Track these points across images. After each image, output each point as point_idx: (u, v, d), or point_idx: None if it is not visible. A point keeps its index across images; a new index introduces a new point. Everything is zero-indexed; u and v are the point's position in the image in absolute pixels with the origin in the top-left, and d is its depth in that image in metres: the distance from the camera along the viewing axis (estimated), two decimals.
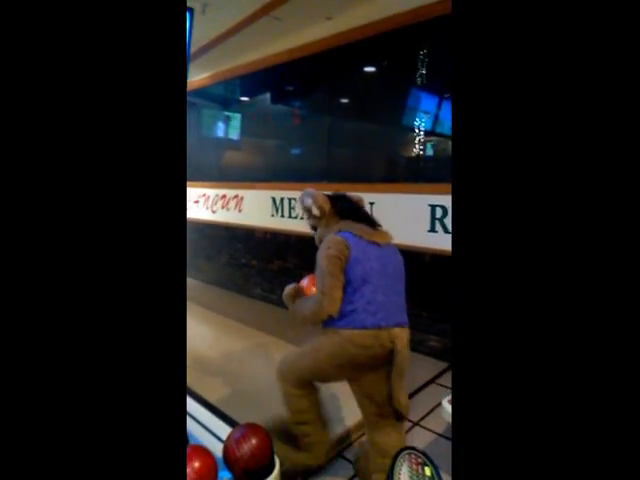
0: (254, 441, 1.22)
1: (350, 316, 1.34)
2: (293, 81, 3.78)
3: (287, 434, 1.51)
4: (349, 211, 1.53)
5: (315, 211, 1.54)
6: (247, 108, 4.44)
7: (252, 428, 1.25)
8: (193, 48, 2.68)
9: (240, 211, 4.14)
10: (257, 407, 1.89)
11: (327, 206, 1.54)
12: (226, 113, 4.78)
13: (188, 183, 3.38)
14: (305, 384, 1.47)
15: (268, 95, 4.08)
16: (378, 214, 3.01)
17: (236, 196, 4.17)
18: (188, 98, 4.87)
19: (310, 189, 1.61)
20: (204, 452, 1.16)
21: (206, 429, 1.49)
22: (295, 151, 3.98)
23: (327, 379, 1.50)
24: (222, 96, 4.68)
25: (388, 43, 2.89)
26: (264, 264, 3.96)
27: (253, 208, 3.99)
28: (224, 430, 1.45)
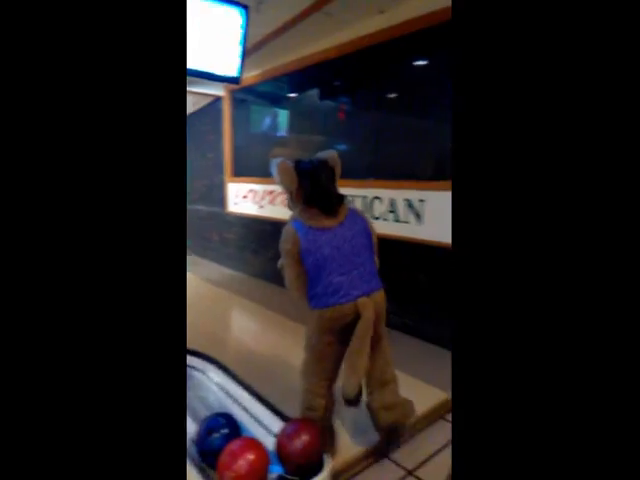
0: (305, 437, 1.23)
1: (316, 298, 1.50)
2: (342, 77, 3.75)
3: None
4: (312, 197, 1.53)
5: (282, 189, 1.58)
6: (295, 104, 4.47)
7: (304, 424, 1.26)
8: (247, 45, 2.72)
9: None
10: None
11: (293, 186, 1.53)
12: (274, 109, 4.84)
13: (237, 178, 3.45)
14: (320, 380, 1.56)
15: (316, 91, 4.08)
16: (428, 213, 2.97)
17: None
18: (240, 95, 4.98)
19: (278, 160, 1.56)
20: (258, 445, 1.19)
21: (257, 421, 1.52)
22: (342, 147, 3.96)
23: (329, 357, 1.55)
24: (270, 93, 4.73)
25: (442, 35, 2.81)
26: None
27: None
28: (273, 423, 1.47)
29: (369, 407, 1.61)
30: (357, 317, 1.43)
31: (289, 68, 4.05)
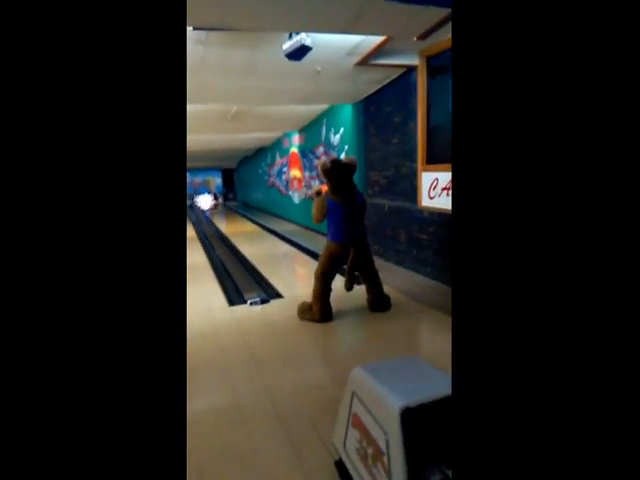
0: None
1: (330, 235, 3.18)
2: None
3: (308, 308, 3.21)
4: (336, 188, 3.12)
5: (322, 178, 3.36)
6: None
7: None
8: None
9: None
10: None
11: (326, 179, 3.14)
12: None
13: (434, 166, 2.37)
14: (323, 279, 3.16)
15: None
16: None
17: None
18: (439, 62, 4.03)
19: (321, 160, 3.99)
20: None
21: None
22: None
23: (330, 269, 3.17)
24: None
25: None
26: None
27: None
28: None
29: (368, 297, 3.37)
30: (347, 250, 3.12)
31: None
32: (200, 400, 2.08)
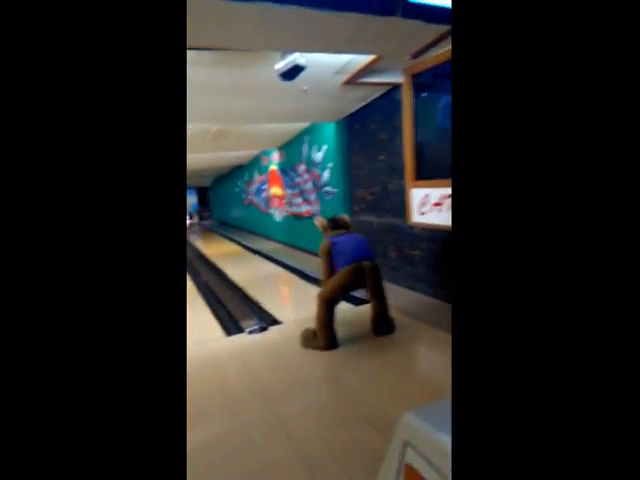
0: None
1: (340, 265, 3.12)
2: None
3: (312, 335, 3.07)
4: (335, 226, 3.42)
5: (319, 229, 3.59)
6: None
7: None
8: None
9: None
10: None
11: (324, 228, 3.48)
12: None
13: (423, 182, 2.17)
14: (329, 304, 3.04)
15: None
16: None
17: None
18: (424, 80, 4.05)
19: (316, 218, 3.91)
20: None
21: None
22: None
23: (339, 295, 3.09)
24: None
25: None
26: None
27: None
28: None
29: (373, 319, 3.27)
30: (361, 268, 3.05)
31: None
32: (208, 437, 1.92)
